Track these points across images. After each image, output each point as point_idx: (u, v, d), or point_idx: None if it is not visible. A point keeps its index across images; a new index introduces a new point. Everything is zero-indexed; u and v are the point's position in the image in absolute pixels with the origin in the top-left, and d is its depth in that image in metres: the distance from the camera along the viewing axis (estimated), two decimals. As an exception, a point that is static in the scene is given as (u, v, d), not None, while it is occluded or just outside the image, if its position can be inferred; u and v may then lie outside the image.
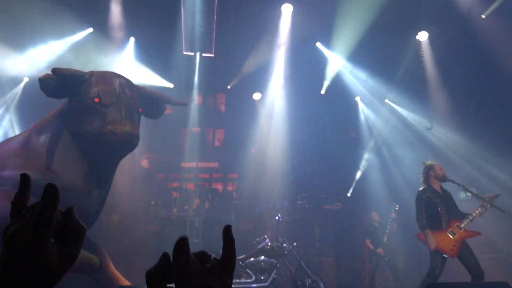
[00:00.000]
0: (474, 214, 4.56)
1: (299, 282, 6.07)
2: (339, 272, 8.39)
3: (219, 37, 7.85)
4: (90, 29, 7.85)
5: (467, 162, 7.87)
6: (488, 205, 4.53)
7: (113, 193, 7.41)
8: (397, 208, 7.40)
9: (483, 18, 7.07)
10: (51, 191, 0.62)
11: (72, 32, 7.77)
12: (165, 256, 0.61)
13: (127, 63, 8.41)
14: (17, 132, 7.86)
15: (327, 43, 8.59)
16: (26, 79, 8.52)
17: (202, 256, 0.65)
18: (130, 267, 6.13)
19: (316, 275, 6.28)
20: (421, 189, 4.89)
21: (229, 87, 9.46)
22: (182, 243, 0.59)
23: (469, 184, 5.08)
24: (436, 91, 8.57)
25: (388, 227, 7.28)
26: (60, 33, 7.68)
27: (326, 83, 9.54)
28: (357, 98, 10.00)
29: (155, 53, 8.44)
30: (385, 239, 7.26)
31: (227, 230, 0.66)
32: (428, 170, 4.91)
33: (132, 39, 8.34)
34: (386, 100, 9.68)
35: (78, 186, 3.79)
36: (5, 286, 0.58)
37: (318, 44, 8.70)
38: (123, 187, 8.34)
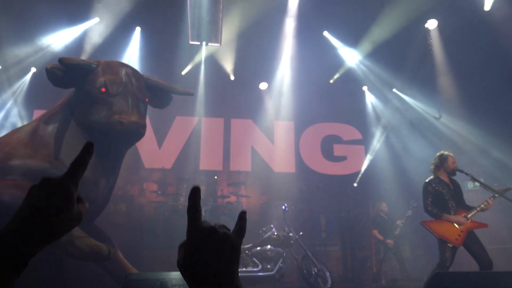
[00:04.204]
0: (482, 206, 4.53)
1: (305, 271, 6.10)
2: (345, 261, 8.42)
3: (226, 26, 7.79)
4: (97, 19, 7.83)
5: (476, 151, 7.80)
6: (497, 196, 4.50)
7: (121, 183, 7.48)
8: (415, 205, 7.14)
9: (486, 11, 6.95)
10: (89, 147, 0.74)
11: (78, 22, 7.75)
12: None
13: (134, 53, 8.40)
14: (25, 122, 7.92)
15: (335, 32, 8.48)
16: (33, 69, 8.56)
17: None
18: (138, 255, 6.21)
19: (322, 264, 6.31)
20: (427, 180, 4.84)
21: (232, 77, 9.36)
22: (195, 190, 0.71)
23: (477, 174, 5.03)
24: (445, 80, 8.47)
25: (403, 221, 7.25)
26: (66, 23, 7.66)
27: (334, 73, 9.45)
28: (364, 88, 9.92)
29: (161, 43, 8.41)
30: (396, 232, 7.24)
31: (243, 214, 0.76)
32: (440, 161, 4.85)
33: (138, 29, 8.30)
34: (394, 90, 9.60)
35: (86, 176, 3.79)
36: (35, 228, 0.65)
37: (325, 33, 8.58)
38: (130, 176, 8.41)
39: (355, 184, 9.34)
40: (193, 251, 0.66)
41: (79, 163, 0.73)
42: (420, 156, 7.89)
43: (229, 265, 0.66)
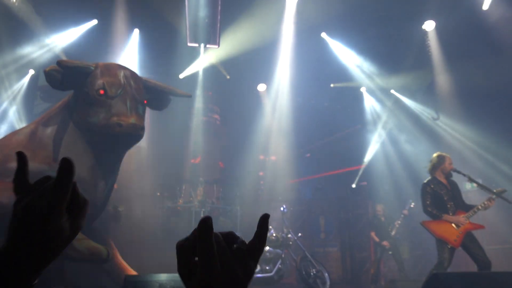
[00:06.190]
0: (480, 207, 4.55)
1: (304, 272, 6.11)
2: (344, 263, 8.43)
3: (224, 27, 7.80)
4: (95, 21, 7.84)
5: (474, 153, 7.82)
6: (495, 197, 4.51)
7: (119, 184, 7.45)
8: (412, 206, 7.17)
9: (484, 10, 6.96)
10: (67, 163, 0.64)
11: (77, 24, 7.76)
12: (195, 231, 0.60)
13: (132, 55, 8.40)
14: (23, 124, 7.90)
15: (333, 33, 8.50)
16: (31, 71, 8.54)
17: (230, 236, 0.65)
18: (136, 257, 6.19)
19: (321, 265, 6.32)
20: (425, 181, 4.85)
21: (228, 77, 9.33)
22: (206, 223, 0.58)
23: (475, 175, 5.05)
24: (443, 81, 8.49)
25: (399, 221, 7.24)
26: (65, 26, 7.67)
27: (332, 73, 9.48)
28: (363, 89, 9.91)
29: (160, 45, 8.42)
30: (393, 233, 7.23)
31: (265, 219, 0.66)
32: (437, 162, 4.86)
33: (136, 31, 8.31)
34: (392, 91, 9.61)
35: (85, 178, 3.82)
36: (20, 258, 0.60)
37: (323, 35, 8.59)
38: (129, 178, 8.39)
39: (354, 185, 9.36)
40: None
41: (61, 185, 0.63)
42: (416, 157, 7.90)
43: None
